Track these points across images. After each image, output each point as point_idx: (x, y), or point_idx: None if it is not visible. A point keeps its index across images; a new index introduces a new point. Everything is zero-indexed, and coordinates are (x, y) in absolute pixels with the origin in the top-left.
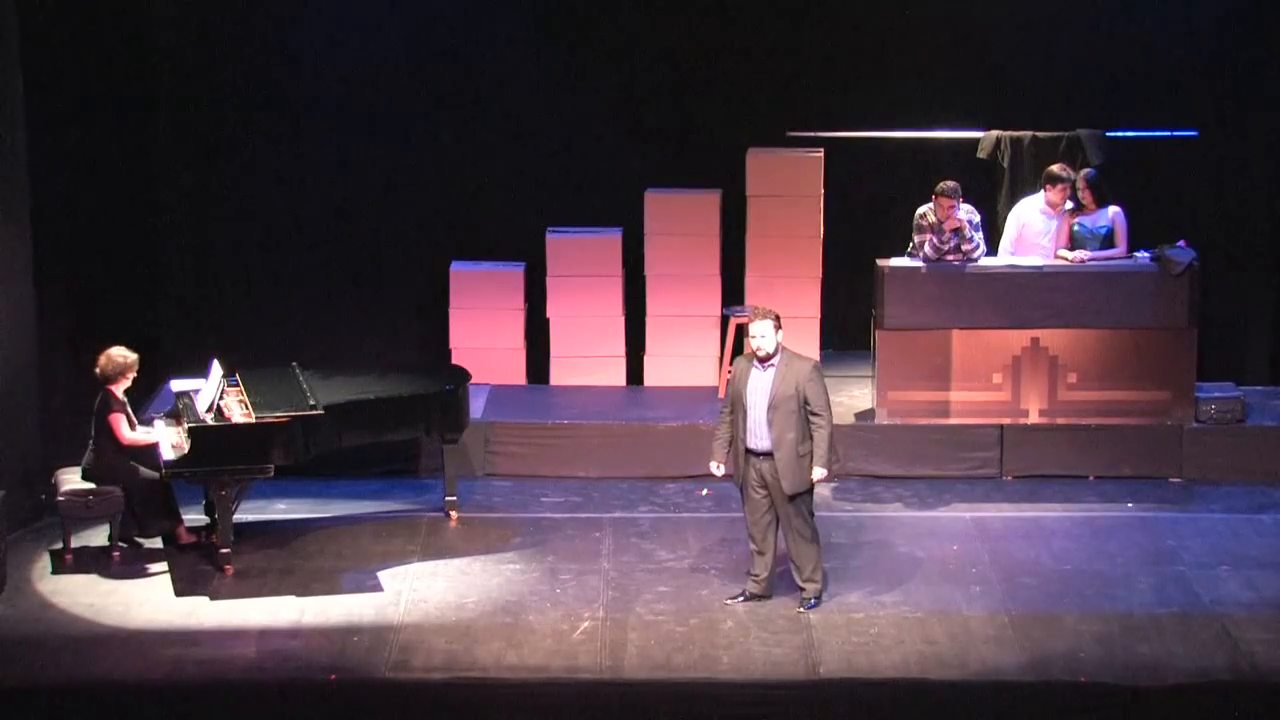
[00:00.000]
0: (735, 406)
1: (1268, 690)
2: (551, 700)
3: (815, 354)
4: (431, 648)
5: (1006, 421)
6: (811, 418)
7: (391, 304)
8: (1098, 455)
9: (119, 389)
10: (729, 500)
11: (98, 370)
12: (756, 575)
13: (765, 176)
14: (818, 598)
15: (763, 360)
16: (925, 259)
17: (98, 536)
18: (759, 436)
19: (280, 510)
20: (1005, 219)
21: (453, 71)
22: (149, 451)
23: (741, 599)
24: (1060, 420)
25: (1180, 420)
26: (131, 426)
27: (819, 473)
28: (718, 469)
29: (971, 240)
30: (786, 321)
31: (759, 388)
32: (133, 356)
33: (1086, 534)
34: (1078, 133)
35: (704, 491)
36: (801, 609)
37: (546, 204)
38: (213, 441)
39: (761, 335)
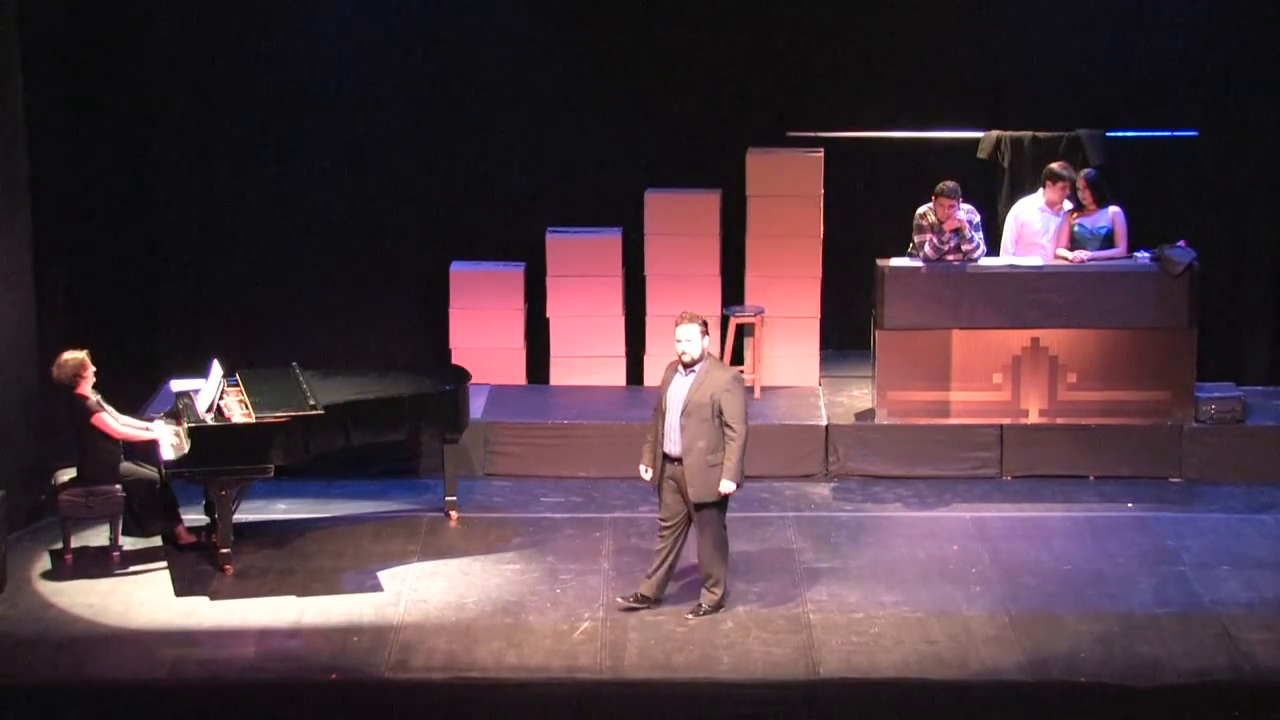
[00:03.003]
0: (658, 410)
1: (1268, 690)
2: (551, 700)
3: (815, 354)
4: (431, 648)
5: (1006, 421)
6: (725, 429)
7: (391, 304)
8: (1098, 455)
9: (86, 388)
10: (728, 500)
11: (55, 380)
12: (649, 574)
13: (765, 176)
14: (713, 609)
15: (687, 365)
16: (925, 259)
17: (98, 536)
18: (672, 441)
19: (280, 510)
20: (1005, 219)
21: (453, 71)
22: (149, 449)
23: (632, 597)
24: (1060, 420)
25: (1180, 420)
26: (119, 421)
27: (728, 485)
28: (646, 473)
29: (971, 240)
30: (786, 321)
31: (677, 393)
32: (82, 354)
33: (1086, 534)
34: (1078, 133)
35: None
36: (690, 615)
37: (546, 204)
38: (213, 441)
39: (687, 339)
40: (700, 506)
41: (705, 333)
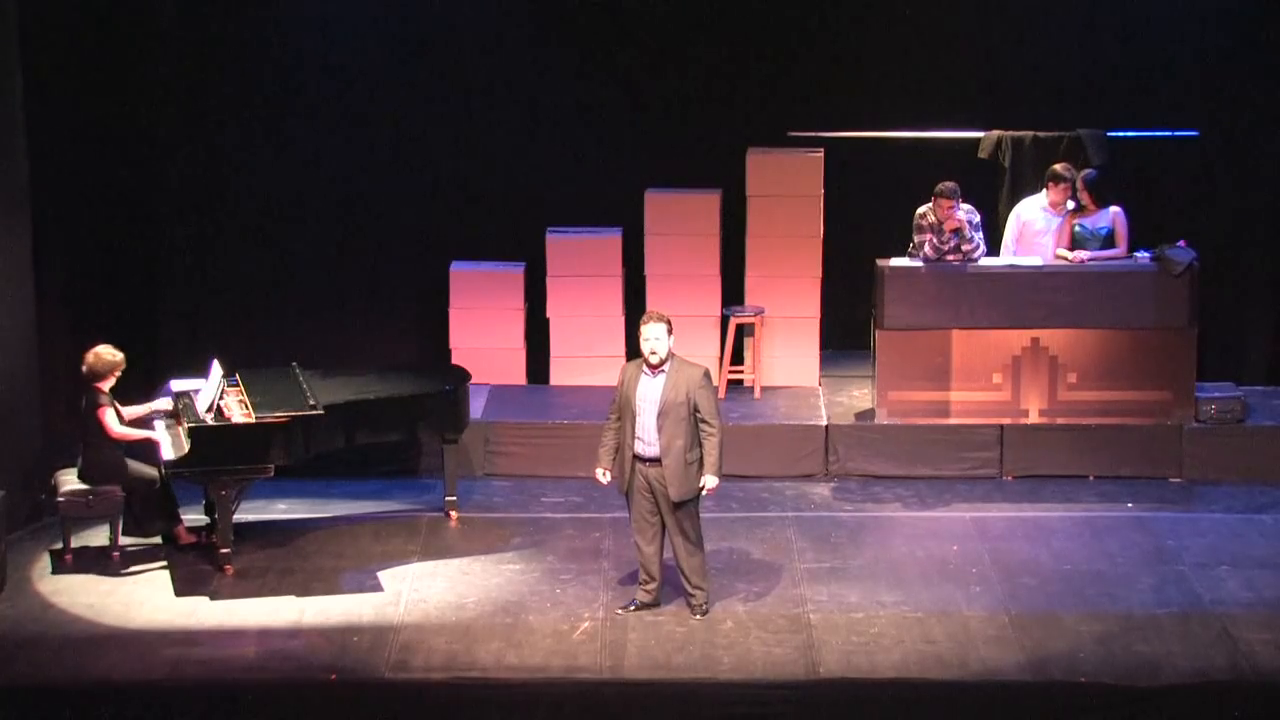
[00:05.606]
0: (624, 412)
1: (1268, 690)
2: (551, 700)
3: (815, 354)
4: (431, 648)
5: (1006, 421)
6: (702, 426)
7: (391, 304)
8: (1098, 455)
9: (106, 386)
10: (728, 500)
11: (85, 368)
12: (645, 583)
13: (765, 176)
14: (707, 604)
15: (653, 366)
16: (925, 259)
17: (98, 536)
18: (648, 443)
19: (280, 510)
20: (1006, 219)
21: (453, 71)
22: (150, 449)
23: (632, 607)
24: (1060, 420)
25: (1180, 420)
26: (121, 421)
27: (711, 481)
28: (604, 476)
29: (971, 240)
30: (786, 321)
31: (649, 394)
32: (120, 356)
33: (1086, 534)
34: (1078, 133)
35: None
36: (695, 616)
37: (546, 204)
38: (213, 441)
39: (655, 338)
40: (679, 505)
41: (671, 331)
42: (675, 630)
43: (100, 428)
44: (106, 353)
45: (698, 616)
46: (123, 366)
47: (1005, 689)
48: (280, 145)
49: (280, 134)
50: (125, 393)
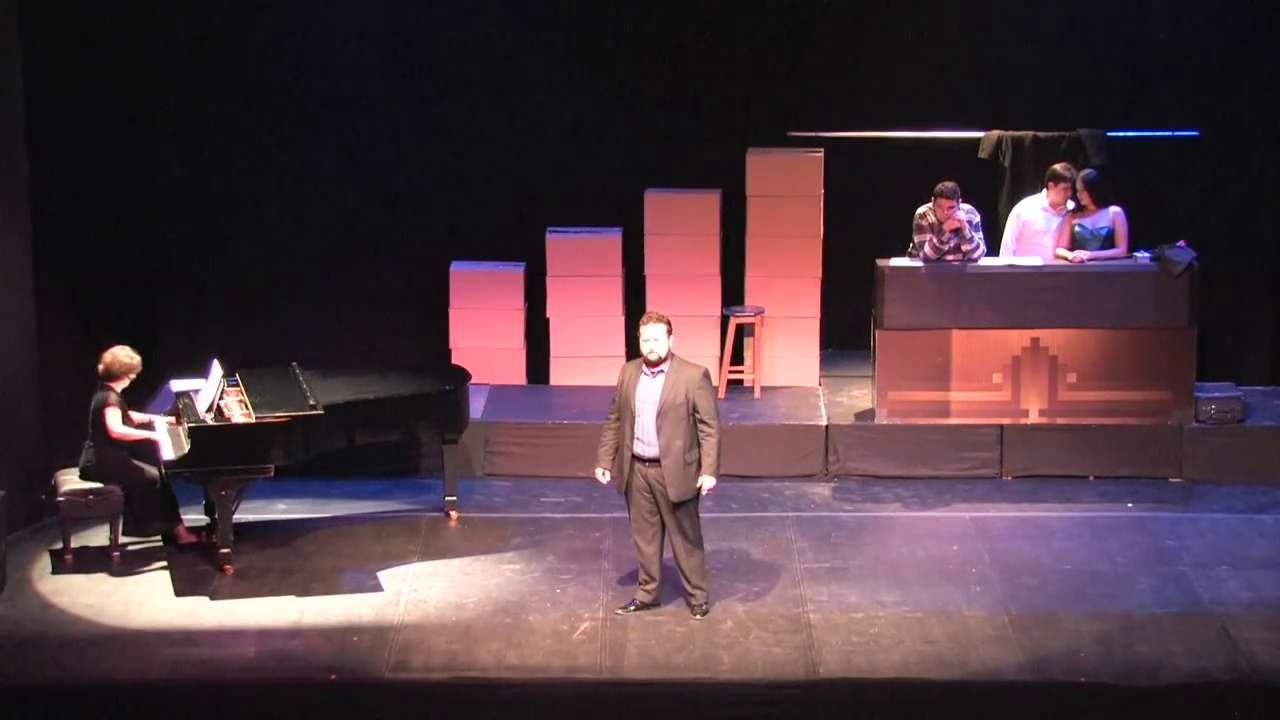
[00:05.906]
0: (623, 412)
1: (1268, 690)
2: (551, 700)
3: (815, 354)
4: (431, 648)
5: (1006, 421)
6: (701, 426)
7: (391, 304)
8: (1098, 455)
9: (118, 387)
10: (728, 500)
11: (101, 367)
12: (645, 583)
13: (765, 176)
14: (707, 604)
15: (652, 365)
16: (925, 259)
17: (98, 536)
18: (646, 443)
19: (280, 510)
20: (1006, 219)
21: (453, 71)
22: (149, 449)
23: (632, 607)
24: (1060, 420)
25: (1180, 420)
26: (127, 422)
27: (709, 481)
28: (603, 475)
29: (971, 240)
30: (786, 321)
31: (648, 394)
32: (136, 359)
33: (1086, 534)
34: (1078, 133)
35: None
36: (695, 616)
37: (546, 204)
38: (213, 441)
39: (654, 339)
40: (678, 505)
41: (670, 332)
42: (675, 630)
43: (103, 427)
44: (124, 354)
45: (698, 616)
46: (138, 370)
47: (1005, 689)
48: (280, 145)
49: (280, 134)
50: (126, 391)
